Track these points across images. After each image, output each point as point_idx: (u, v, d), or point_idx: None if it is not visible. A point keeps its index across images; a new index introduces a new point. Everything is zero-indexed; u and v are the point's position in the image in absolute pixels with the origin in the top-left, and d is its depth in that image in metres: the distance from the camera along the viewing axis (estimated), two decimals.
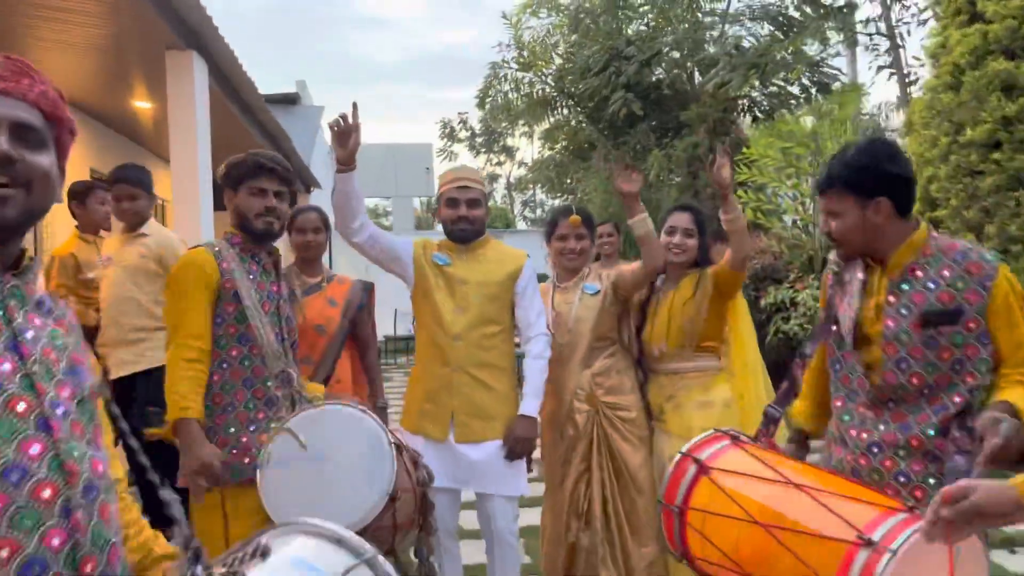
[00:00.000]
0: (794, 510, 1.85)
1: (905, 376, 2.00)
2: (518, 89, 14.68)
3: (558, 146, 16.75)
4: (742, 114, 12.85)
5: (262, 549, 1.26)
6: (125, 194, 3.95)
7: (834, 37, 10.24)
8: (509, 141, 27.97)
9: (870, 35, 9.58)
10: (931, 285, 1.99)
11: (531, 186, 29.54)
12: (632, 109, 12.15)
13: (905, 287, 2.02)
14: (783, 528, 1.83)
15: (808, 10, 11.00)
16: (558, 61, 14.40)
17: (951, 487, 1.43)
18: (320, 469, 2.26)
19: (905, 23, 8.72)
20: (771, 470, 1.98)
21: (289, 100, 15.24)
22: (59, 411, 1.22)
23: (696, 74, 12.88)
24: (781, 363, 3.65)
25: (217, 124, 6.96)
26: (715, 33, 12.54)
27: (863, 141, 2.18)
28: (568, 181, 17.38)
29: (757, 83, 11.77)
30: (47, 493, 1.15)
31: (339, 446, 2.28)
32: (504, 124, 18.90)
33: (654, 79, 12.87)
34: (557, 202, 24.50)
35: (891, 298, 2.03)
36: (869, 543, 1.66)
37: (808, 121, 8.36)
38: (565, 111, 15.18)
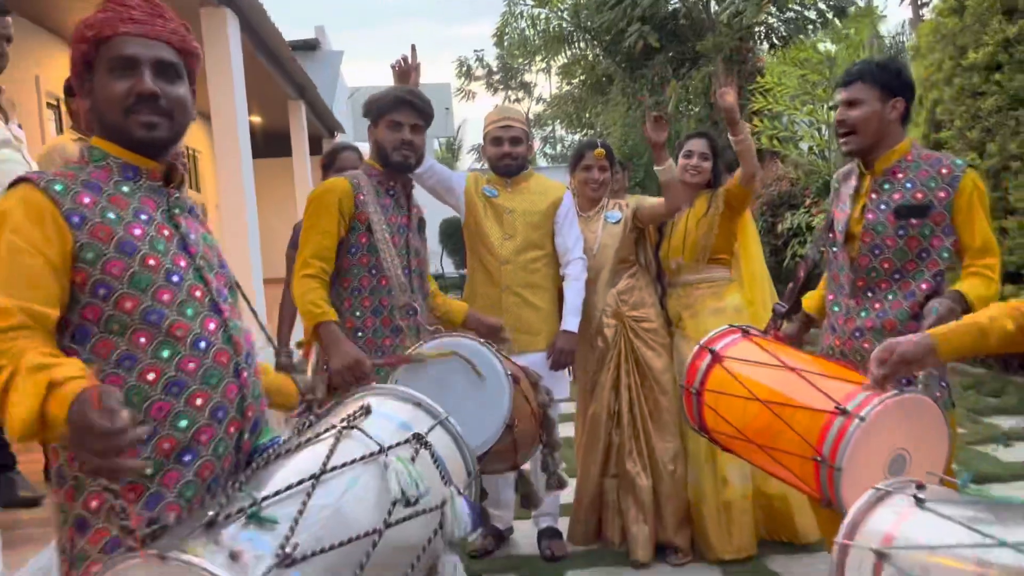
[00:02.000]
0: (788, 388, 2.21)
1: (877, 260, 2.36)
2: (534, 26, 14.71)
3: (576, 81, 16.76)
4: (759, 41, 12.88)
5: (367, 408, 1.61)
6: None
7: None
8: (527, 77, 27.87)
9: None
10: (908, 185, 2.35)
11: (550, 122, 29.49)
12: (648, 41, 12.24)
13: (887, 186, 2.38)
14: (778, 403, 2.21)
15: None
16: None
17: (879, 349, 1.82)
18: (444, 395, 2.31)
19: None
20: (772, 357, 2.35)
21: (309, 46, 15.41)
22: (221, 296, 1.55)
23: (712, 3, 12.88)
24: None
25: (246, 75, 7.26)
26: None
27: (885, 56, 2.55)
28: (587, 115, 17.46)
29: (774, 9, 11.79)
30: (224, 358, 1.50)
31: (462, 376, 2.40)
32: (521, 60, 18.85)
33: (670, 9, 12.89)
34: (577, 137, 24.56)
35: (873, 195, 2.39)
36: (844, 412, 2.00)
37: (823, 47, 8.48)
38: (582, 45, 15.19)
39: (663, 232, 3.54)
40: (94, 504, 1.41)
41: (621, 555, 3.41)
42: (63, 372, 1.24)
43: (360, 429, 1.55)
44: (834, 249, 2.51)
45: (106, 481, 1.30)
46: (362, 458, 1.48)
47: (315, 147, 13.66)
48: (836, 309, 2.49)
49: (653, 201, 3.48)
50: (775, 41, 12.60)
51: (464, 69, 29.67)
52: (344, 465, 1.46)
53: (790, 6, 11.86)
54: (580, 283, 3.31)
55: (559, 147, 33.51)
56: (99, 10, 1.50)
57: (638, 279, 3.47)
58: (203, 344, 1.48)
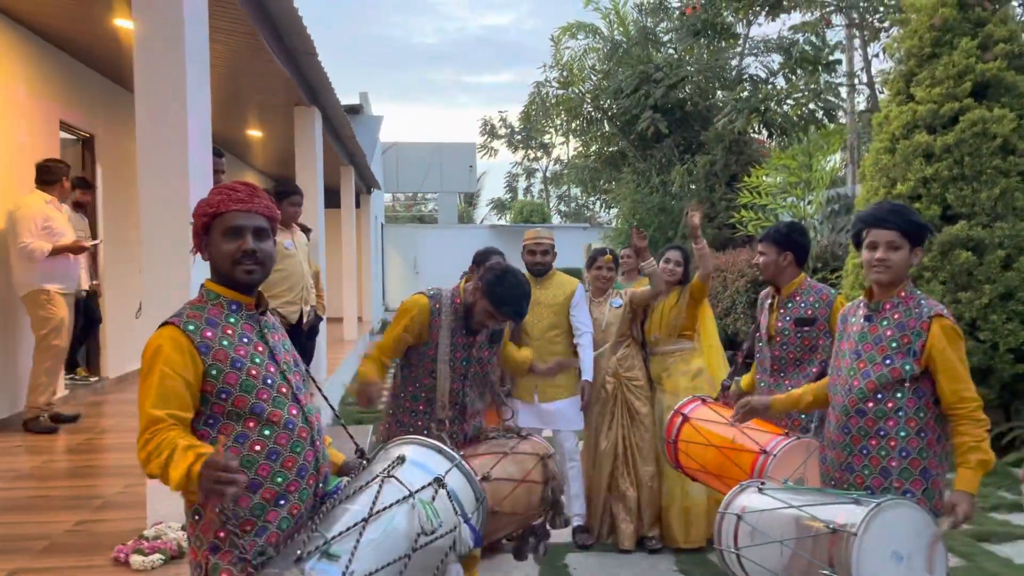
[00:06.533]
0: (732, 437, 3.48)
1: (784, 352, 3.70)
2: (558, 104, 16.29)
3: (592, 150, 18.19)
4: (759, 132, 14.37)
5: (402, 457, 2.07)
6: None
7: (833, 78, 11.89)
8: (546, 138, 29.69)
9: (852, 86, 11.24)
10: (802, 304, 3.71)
11: (566, 182, 31.22)
12: (659, 128, 13.83)
13: (790, 305, 3.73)
14: (727, 447, 3.50)
15: (815, 44, 12.57)
16: (594, 79, 15.99)
17: (741, 402, 3.15)
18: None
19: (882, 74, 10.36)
20: (722, 417, 3.65)
21: (354, 110, 17.13)
22: (299, 389, 2.03)
23: (719, 92, 14.43)
24: None
25: None
26: (734, 61, 14.14)
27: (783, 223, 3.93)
28: (601, 183, 18.95)
29: (772, 104, 13.29)
30: (304, 434, 2.00)
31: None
32: (542, 121, 20.18)
33: (680, 97, 14.44)
34: (592, 199, 26.00)
35: (781, 311, 3.74)
36: (765, 452, 3.32)
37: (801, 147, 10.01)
38: (599, 121, 16.69)
39: (647, 314, 4.96)
40: (222, 535, 1.92)
41: (609, 545, 4.77)
42: (204, 449, 1.82)
43: (396, 477, 2.01)
44: (760, 344, 3.90)
45: (225, 514, 1.86)
46: (396, 503, 1.95)
47: (357, 201, 15.32)
48: (762, 384, 3.81)
49: (642, 290, 4.92)
50: (773, 131, 14.09)
51: (488, 128, 31.62)
52: (384, 509, 1.93)
53: (786, 104, 13.36)
54: (589, 348, 4.67)
55: (573, 205, 35.25)
56: (213, 193, 2.01)
57: (631, 349, 4.86)
58: (291, 425, 1.99)
